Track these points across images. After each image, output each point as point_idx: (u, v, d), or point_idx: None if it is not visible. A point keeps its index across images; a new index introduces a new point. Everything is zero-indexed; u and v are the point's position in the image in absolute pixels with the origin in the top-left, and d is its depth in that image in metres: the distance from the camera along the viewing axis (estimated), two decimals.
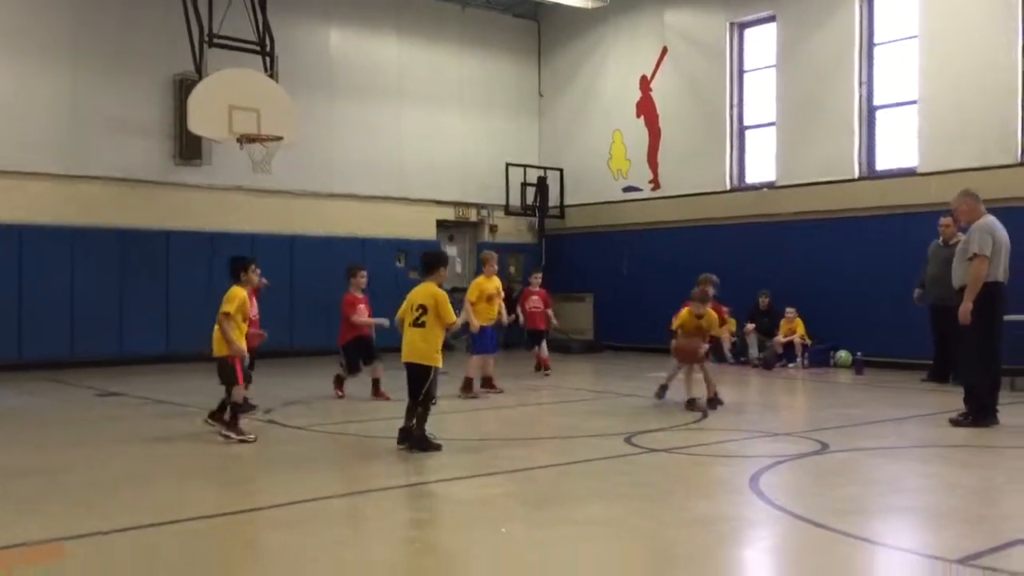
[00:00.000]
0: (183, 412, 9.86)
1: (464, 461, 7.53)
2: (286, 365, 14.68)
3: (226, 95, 13.73)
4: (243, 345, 8.18)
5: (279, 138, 14.20)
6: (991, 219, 8.82)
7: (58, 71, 15.13)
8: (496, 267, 11.78)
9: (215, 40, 14.32)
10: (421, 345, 7.50)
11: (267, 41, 14.97)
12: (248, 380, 8.60)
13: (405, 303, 7.74)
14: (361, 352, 10.97)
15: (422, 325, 7.51)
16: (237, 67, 14.38)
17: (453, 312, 7.72)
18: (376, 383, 10.87)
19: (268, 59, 14.96)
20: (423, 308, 7.52)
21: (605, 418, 9.57)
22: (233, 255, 9.04)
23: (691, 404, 9.96)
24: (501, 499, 6.16)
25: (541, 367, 13.59)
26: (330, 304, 17.44)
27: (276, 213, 17.07)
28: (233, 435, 8.05)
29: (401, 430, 7.63)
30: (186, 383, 12.07)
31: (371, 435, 8.73)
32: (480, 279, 11.55)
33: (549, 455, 7.71)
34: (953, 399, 9.69)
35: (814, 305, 15.14)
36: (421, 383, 7.48)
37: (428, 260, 7.90)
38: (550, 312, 14.04)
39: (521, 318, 13.92)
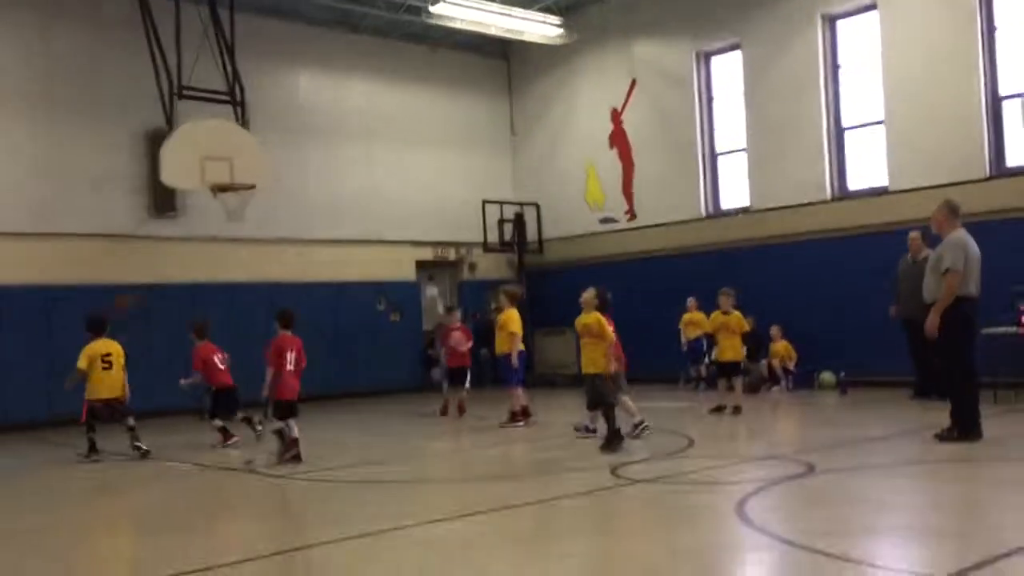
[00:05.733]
0: (158, 463, 9.72)
1: (447, 501, 7.44)
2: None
3: (197, 146, 13.71)
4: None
5: (252, 186, 14.17)
6: (963, 233, 8.84)
7: (28, 127, 15.12)
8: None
9: (184, 92, 14.30)
10: None
11: (237, 90, 14.98)
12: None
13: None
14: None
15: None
16: (207, 117, 14.37)
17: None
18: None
19: (238, 108, 14.97)
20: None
21: (591, 451, 9.48)
22: None
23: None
24: (484, 539, 6.06)
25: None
26: (314, 350, 17.42)
27: (253, 262, 17.01)
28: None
29: None
30: (158, 434, 11.90)
31: (355, 480, 8.62)
32: (514, 312, 12.15)
33: (533, 491, 7.60)
34: (937, 415, 9.66)
35: (794, 327, 15.15)
36: None
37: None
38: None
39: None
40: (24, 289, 14.71)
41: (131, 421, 10.60)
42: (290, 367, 9.60)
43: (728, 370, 12.25)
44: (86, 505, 8.32)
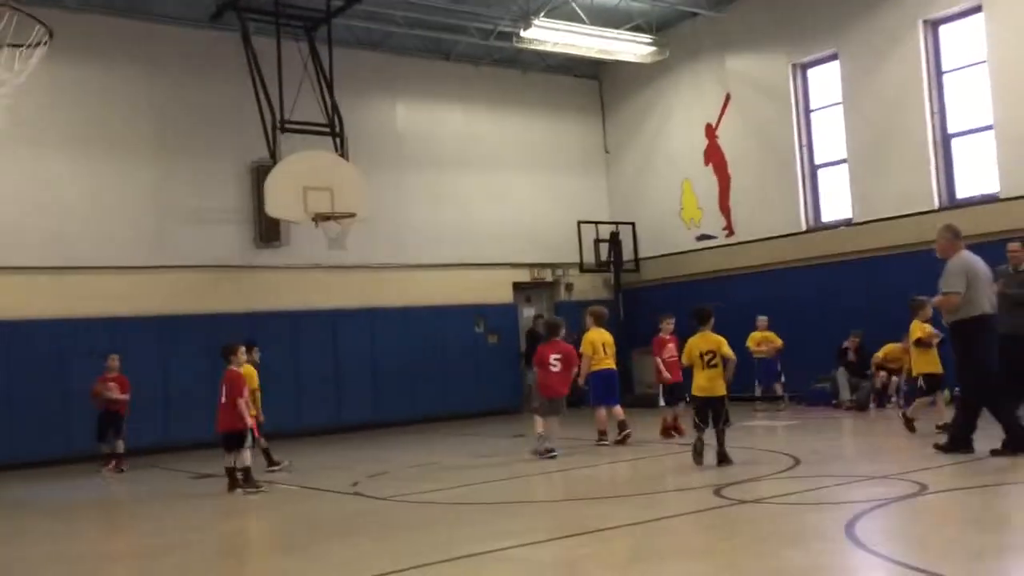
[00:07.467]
0: (270, 488, 10.00)
1: (548, 523, 7.45)
2: (370, 437, 14.79)
3: (300, 177, 14.16)
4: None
5: (352, 215, 14.53)
6: (965, 255, 9.06)
7: (141, 167, 15.82)
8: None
9: (287, 125, 14.82)
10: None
11: (336, 122, 15.43)
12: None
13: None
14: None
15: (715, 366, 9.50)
16: (309, 149, 14.84)
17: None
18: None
19: (338, 139, 15.41)
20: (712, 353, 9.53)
21: (694, 470, 9.37)
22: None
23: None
24: (589, 560, 6.05)
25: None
26: (414, 374, 17.72)
27: (355, 288, 17.40)
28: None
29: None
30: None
31: (456, 501, 8.70)
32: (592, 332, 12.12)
33: (636, 512, 7.54)
34: None
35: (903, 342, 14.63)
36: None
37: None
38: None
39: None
40: (139, 320, 15.34)
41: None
42: (223, 400, 9.97)
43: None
44: (214, 526, 8.62)
